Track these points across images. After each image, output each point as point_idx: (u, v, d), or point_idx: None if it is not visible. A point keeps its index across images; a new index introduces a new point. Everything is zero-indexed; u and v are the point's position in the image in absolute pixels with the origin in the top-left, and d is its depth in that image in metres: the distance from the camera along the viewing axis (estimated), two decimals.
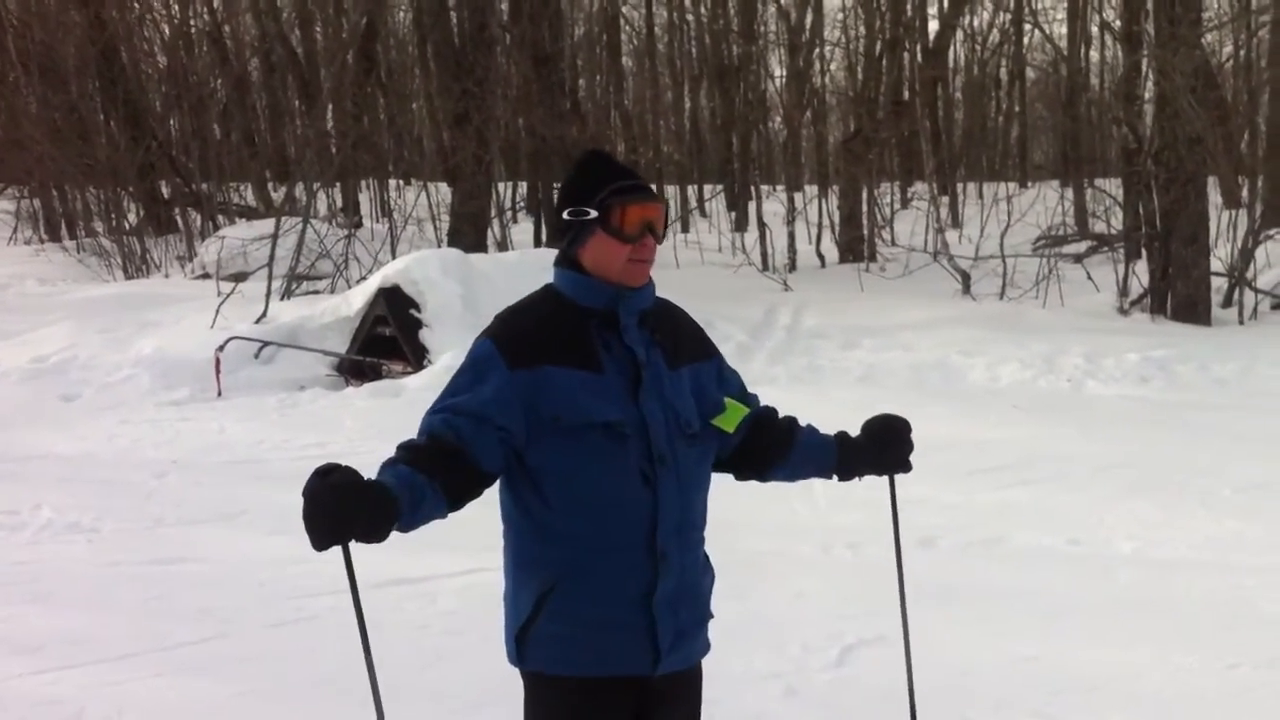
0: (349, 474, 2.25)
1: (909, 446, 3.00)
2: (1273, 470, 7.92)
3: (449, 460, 2.47)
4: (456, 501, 2.50)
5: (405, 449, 2.49)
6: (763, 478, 2.98)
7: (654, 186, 2.69)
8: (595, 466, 2.56)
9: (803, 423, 3.01)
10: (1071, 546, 6.53)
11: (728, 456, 2.88)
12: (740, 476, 2.99)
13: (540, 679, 2.69)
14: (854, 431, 3.01)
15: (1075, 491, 7.57)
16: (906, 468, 3.02)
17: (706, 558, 2.84)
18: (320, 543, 2.24)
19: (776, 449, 2.93)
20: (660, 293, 2.78)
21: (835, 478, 3.00)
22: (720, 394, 2.79)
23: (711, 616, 2.84)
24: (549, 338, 2.58)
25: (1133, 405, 10.49)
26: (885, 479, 3.09)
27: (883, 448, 2.97)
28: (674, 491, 2.63)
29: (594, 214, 2.60)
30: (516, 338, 2.59)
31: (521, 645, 2.68)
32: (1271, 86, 21.75)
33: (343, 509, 2.22)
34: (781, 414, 3.00)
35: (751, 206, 23.59)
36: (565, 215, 2.63)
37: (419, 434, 2.54)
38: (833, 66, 36.79)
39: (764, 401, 3.02)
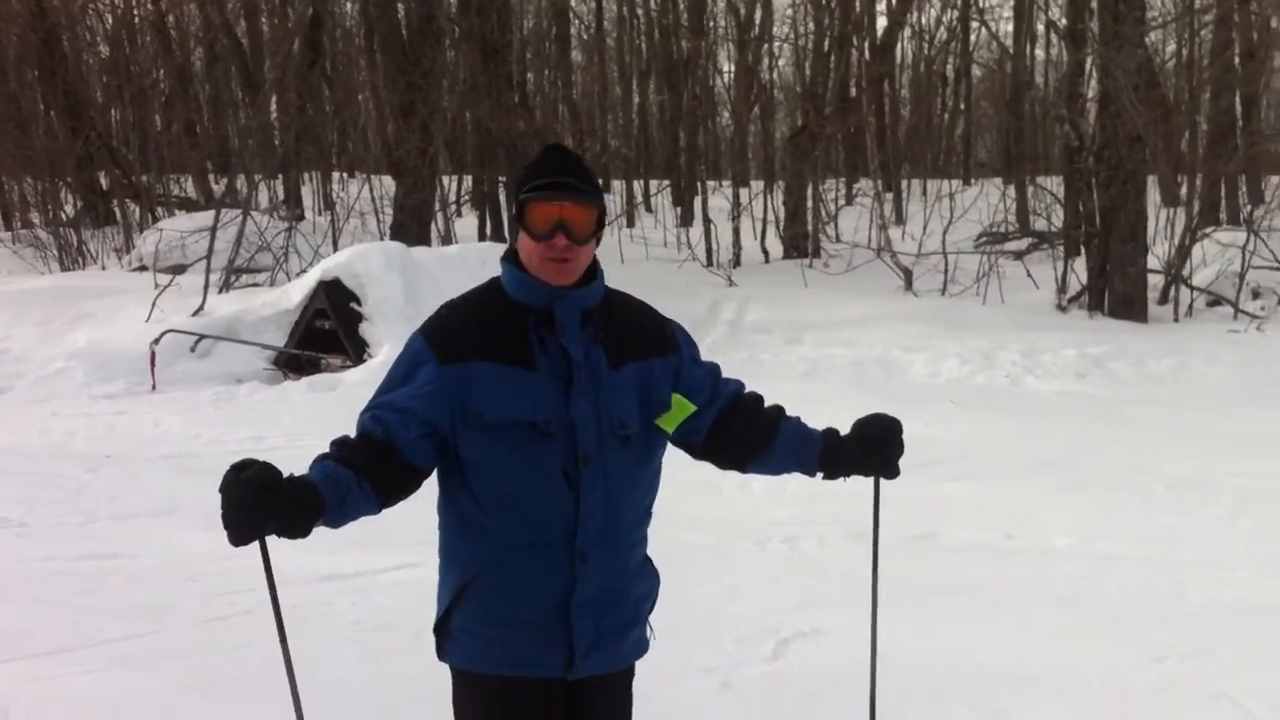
0: (264, 469, 2.23)
1: (899, 449, 2.83)
2: (1205, 465, 8.05)
3: (378, 455, 2.44)
4: (387, 498, 2.47)
5: (336, 445, 2.48)
6: (742, 469, 2.89)
7: (595, 184, 2.62)
8: (517, 464, 2.52)
9: (790, 413, 2.90)
10: (1007, 541, 6.59)
11: (701, 444, 2.82)
12: (721, 466, 2.91)
13: (458, 674, 2.68)
14: (845, 428, 2.87)
15: (1012, 486, 7.66)
16: (894, 472, 2.86)
17: (645, 562, 2.79)
18: (237, 538, 2.23)
19: (755, 440, 2.83)
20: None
21: (819, 475, 2.87)
22: (669, 392, 2.71)
23: (644, 621, 2.79)
24: (482, 333, 2.55)
25: (1070, 401, 10.62)
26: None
27: (870, 449, 2.82)
28: (599, 494, 2.57)
29: (515, 211, 2.60)
30: (448, 333, 2.57)
31: (440, 638, 2.68)
32: (1213, 86, 22.06)
33: (258, 504, 2.20)
34: (769, 402, 2.90)
35: (698, 202, 23.62)
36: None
37: (354, 433, 2.53)
38: (781, 63, 37.04)
39: None
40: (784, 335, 13.27)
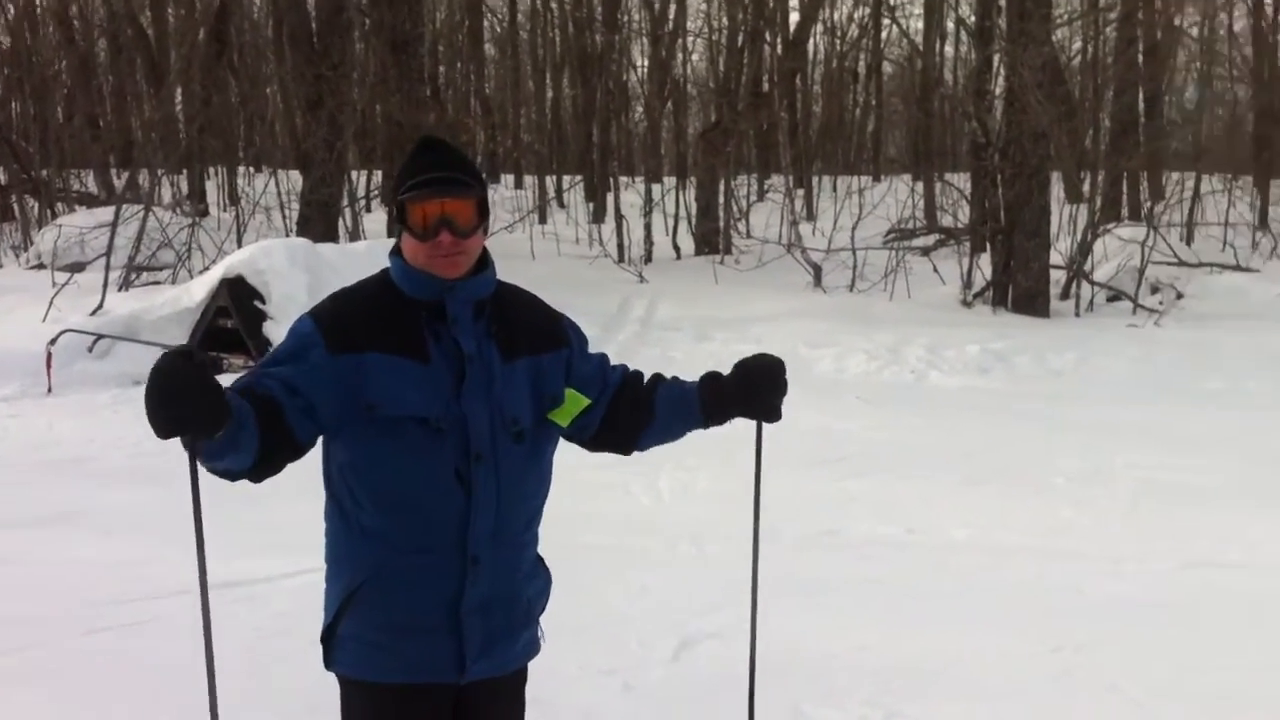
0: (207, 360, 2.07)
1: (781, 390, 2.75)
2: (1104, 459, 8.20)
3: (266, 410, 2.30)
4: (263, 454, 2.30)
5: (231, 389, 2.29)
6: (640, 446, 2.85)
7: (475, 173, 2.57)
8: (407, 462, 2.47)
9: (667, 376, 2.87)
10: (908, 535, 6.67)
11: (594, 435, 2.79)
12: (614, 451, 2.87)
13: (347, 683, 2.61)
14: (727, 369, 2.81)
15: (913, 481, 7.73)
16: (775, 416, 2.78)
17: (537, 561, 2.75)
18: (166, 430, 2.03)
19: (639, 415, 2.80)
20: (515, 283, 2.71)
21: (707, 424, 2.80)
22: (561, 386, 2.66)
23: (535, 622, 2.75)
24: (377, 324, 2.49)
25: (973, 396, 10.77)
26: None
27: (752, 390, 2.73)
28: (491, 492, 2.52)
29: (395, 211, 2.54)
30: (342, 321, 2.49)
31: (327, 648, 2.60)
32: (1116, 83, 22.48)
33: (197, 395, 2.02)
34: (647, 375, 2.87)
35: (610, 198, 23.59)
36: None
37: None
38: (694, 57, 37.13)
39: None
40: (694, 332, 13.31)
